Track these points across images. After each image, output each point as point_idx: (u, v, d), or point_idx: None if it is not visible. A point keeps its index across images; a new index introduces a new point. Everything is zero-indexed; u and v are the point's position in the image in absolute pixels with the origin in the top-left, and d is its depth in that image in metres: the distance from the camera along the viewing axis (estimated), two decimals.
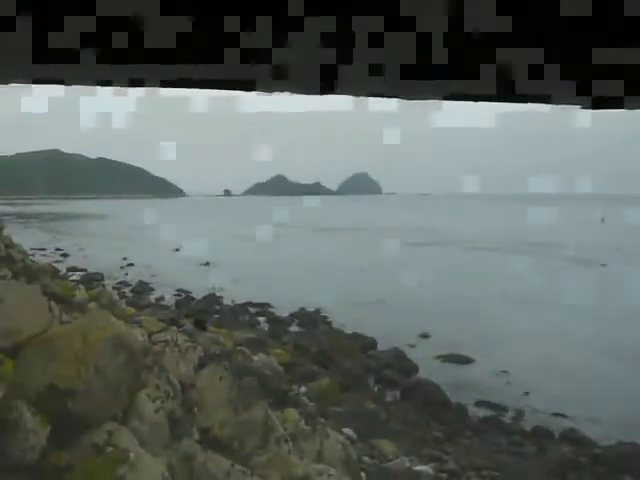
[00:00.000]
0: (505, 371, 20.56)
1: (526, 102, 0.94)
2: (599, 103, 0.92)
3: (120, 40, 0.79)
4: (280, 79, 0.89)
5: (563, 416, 16.71)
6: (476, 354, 22.58)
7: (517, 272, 41.90)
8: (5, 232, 17.46)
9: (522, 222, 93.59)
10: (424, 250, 59.59)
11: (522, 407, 17.36)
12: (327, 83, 0.90)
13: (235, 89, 0.96)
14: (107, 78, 0.94)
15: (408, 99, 1.00)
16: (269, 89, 0.96)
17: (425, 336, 25.74)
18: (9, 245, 15.01)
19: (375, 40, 0.78)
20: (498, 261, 49.53)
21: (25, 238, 35.46)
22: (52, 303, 8.22)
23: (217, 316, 28.25)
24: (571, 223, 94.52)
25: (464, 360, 22.24)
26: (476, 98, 0.95)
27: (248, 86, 0.94)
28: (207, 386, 9.80)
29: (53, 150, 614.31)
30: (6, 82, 1.05)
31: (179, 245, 61.01)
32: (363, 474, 11.21)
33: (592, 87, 0.86)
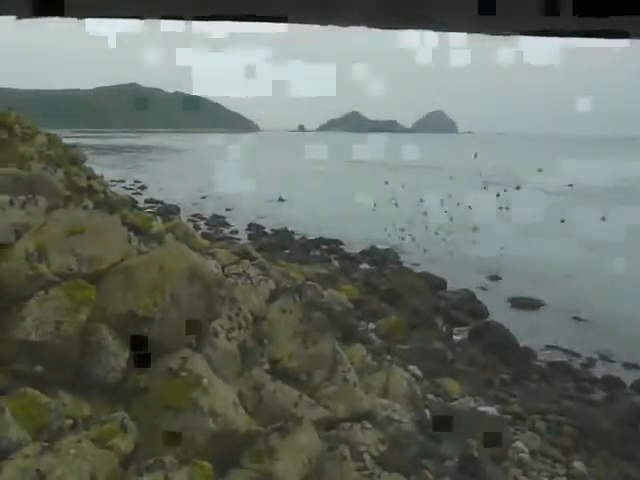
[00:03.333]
0: (578, 317, 20.19)
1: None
2: None
3: None
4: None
5: (637, 367, 16.35)
6: (549, 299, 22.21)
7: (596, 218, 40.46)
8: (87, 164, 18.03)
9: (603, 167, 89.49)
10: (497, 190, 58.26)
11: (594, 354, 17.08)
12: (419, 13, 0.90)
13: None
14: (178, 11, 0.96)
15: (491, 34, 0.98)
16: (345, 23, 0.96)
17: (496, 278, 25.47)
18: (91, 177, 15.50)
19: None
20: (576, 205, 47.90)
21: (105, 170, 36.46)
22: (131, 234, 8.53)
23: (288, 251, 28.62)
24: None
25: (535, 304, 21.93)
26: (557, 33, 0.93)
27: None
28: (277, 319, 10.04)
29: (132, 84, 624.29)
30: (82, 16, 1.09)
31: (254, 180, 61.61)
32: (427, 411, 11.37)
33: None
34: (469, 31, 0.97)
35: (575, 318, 20.20)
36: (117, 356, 6.59)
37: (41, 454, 4.97)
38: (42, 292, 6.59)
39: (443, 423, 10.16)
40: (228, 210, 42.08)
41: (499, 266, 26.92)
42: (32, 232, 7.60)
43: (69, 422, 5.83)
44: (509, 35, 0.98)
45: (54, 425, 5.58)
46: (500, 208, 41.45)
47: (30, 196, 8.98)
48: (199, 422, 6.28)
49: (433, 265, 26.40)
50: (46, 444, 5.17)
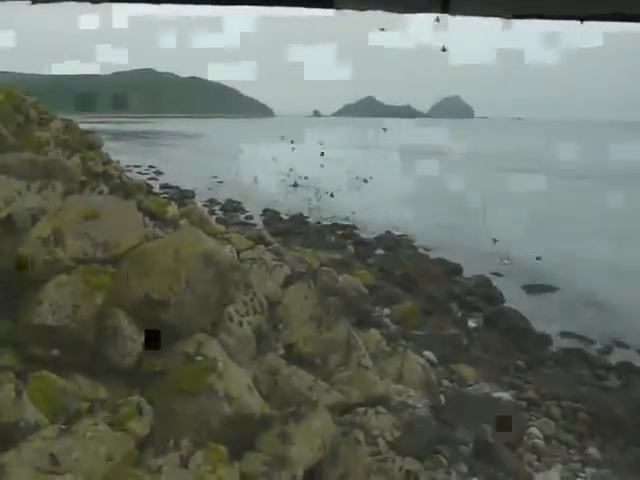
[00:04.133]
0: (595, 303, 20.06)
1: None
2: None
3: None
4: None
5: None
6: (567, 285, 22.08)
7: (616, 205, 39.96)
8: (102, 149, 18.10)
9: (623, 152, 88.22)
10: (517, 177, 57.84)
11: (610, 341, 16.98)
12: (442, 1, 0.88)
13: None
14: None
15: (516, 18, 0.96)
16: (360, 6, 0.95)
17: (512, 264, 25.33)
18: (106, 162, 15.57)
19: None
20: (596, 192, 47.40)
21: (121, 155, 36.59)
22: (146, 219, 8.56)
23: (303, 236, 28.63)
24: None
25: (551, 290, 21.83)
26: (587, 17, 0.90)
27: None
28: (292, 303, 10.06)
29: (147, 69, 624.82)
30: (96, 0, 1.08)
31: (269, 165, 61.59)
32: (442, 397, 11.37)
33: None
34: (490, 15, 0.96)
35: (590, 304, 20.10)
36: (133, 340, 6.63)
37: (58, 437, 5.02)
38: (58, 276, 6.64)
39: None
40: (242, 195, 42.13)
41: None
42: (48, 217, 7.65)
43: (85, 405, 5.89)
44: (535, 19, 0.96)
45: (71, 408, 5.64)
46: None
47: (46, 181, 9.04)
48: (214, 406, 6.32)
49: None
50: (63, 427, 5.22)
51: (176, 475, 5.23)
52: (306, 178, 49.07)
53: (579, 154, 79.14)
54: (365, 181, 46.74)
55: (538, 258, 25.41)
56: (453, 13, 0.97)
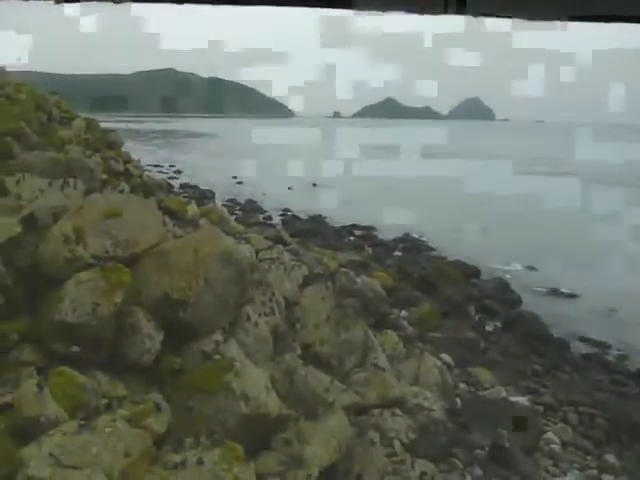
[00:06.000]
0: (614, 309, 19.87)
1: None
2: None
3: None
4: None
5: None
6: (584, 291, 21.91)
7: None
8: (123, 149, 18.25)
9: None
10: (537, 180, 57.41)
11: (628, 347, 16.82)
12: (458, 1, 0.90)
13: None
14: None
15: (541, 19, 0.97)
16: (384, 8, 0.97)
17: (532, 269, 25.19)
18: (127, 161, 15.70)
19: None
20: (618, 197, 46.83)
21: (141, 155, 36.79)
22: (166, 218, 8.63)
23: (321, 237, 28.65)
24: None
25: (570, 296, 21.67)
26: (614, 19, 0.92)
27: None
28: (310, 304, 10.09)
29: (168, 69, 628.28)
30: (119, 0, 1.11)
31: (288, 166, 61.66)
32: (458, 400, 11.34)
33: None
34: (511, 16, 0.97)
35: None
36: (152, 338, 6.69)
37: (78, 432, 5.09)
38: (79, 274, 6.72)
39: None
40: (262, 195, 42.25)
41: None
42: (69, 215, 7.74)
43: (104, 402, 5.96)
44: (556, 20, 0.97)
45: (90, 404, 5.72)
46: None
47: (68, 179, 9.15)
48: (231, 405, 6.37)
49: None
50: (83, 422, 5.29)
51: (192, 473, 5.27)
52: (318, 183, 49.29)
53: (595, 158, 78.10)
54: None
55: None
56: (471, 13, 0.98)
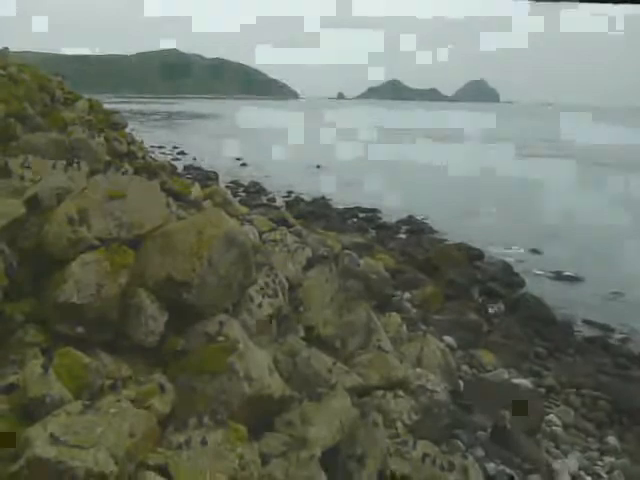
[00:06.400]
0: (617, 292, 19.86)
1: None
2: None
3: None
4: None
5: None
6: (587, 274, 21.91)
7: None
8: (127, 130, 18.19)
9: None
10: (539, 162, 57.21)
11: (631, 330, 16.82)
12: None
13: None
14: None
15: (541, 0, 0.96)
16: None
17: (535, 252, 25.16)
18: (131, 142, 15.65)
19: None
20: (619, 179, 46.62)
21: (145, 136, 36.70)
22: (170, 199, 8.61)
23: (325, 219, 28.62)
24: None
25: (574, 279, 21.66)
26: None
27: None
28: (313, 286, 10.11)
29: (171, 50, 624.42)
30: None
31: (291, 147, 61.52)
32: (461, 382, 11.38)
33: None
34: None
35: None
36: (155, 319, 6.72)
37: (82, 412, 5.13)
38: (83, 255, 6.73)
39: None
40: (266, 177, 42.19)
41: None
42: (73, 196, 7.74)
43: (109, 382, 5.99)
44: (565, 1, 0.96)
45: (95, 385, 5.75)
46: None
47: (72, 161, 9.14)
48: (234, 386, 6.40)
49: None
50: (87, 402, 5.33)
51: (196, 453, 5.31)
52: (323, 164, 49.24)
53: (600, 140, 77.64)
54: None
55: None
56: None
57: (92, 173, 9.23)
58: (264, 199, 33.64)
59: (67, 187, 8.13)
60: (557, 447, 10.34)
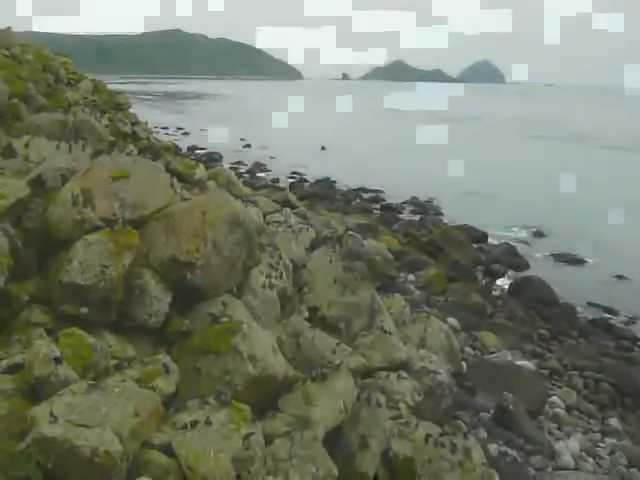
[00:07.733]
0: (622, 276, 19.86)
1: None
2: None
3: None
4: None
5: None
6: (591, 256, 21.90)
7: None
8: (131, 110, 18.15)
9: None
10: (541, 144, 56.95)
11: (635, 313, 16.84)
12: None
13: None
14: None
15: None
16: None
17: (539, 234, 25.13)
18: (135, 123, 15.62)
19: None
20: (620, 161, 46.38)
21: (149, 116, 36.66)
22: (174, 180, 8.60)
23: (329, 200, 28.61)
24: None
25: (577, 261, 21.66)
26: None
27: None
28: (317, 267, 10.12)
29: (176, 30, 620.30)
30: None
31: (296, 128, 61.32)
32: (464, 363, 11.42)
33: None
34: None
35: None
36: (160, 300, 6.73)
37: (87, 392, 5.16)
38: (88, 236, 6.73)
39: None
40: (270, 158, 42.10)
41: None
42: (77, 177, 7.73)
43: (114, 362, 6.02)
44: None
45: (100, 365, 5.78)
46: None
47: (76, 141, 9.12)
48: (239, 366, 6.42)
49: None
50: (92, 382, 5.35)
51: (201, 433, 5.35)
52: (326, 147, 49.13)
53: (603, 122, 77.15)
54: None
55: None
56: None
57: (96, 154, 9.22)
58: (268, 180, 33.62)
59: (71, 168, 8.12)
60: (559, 429, 10.39)
